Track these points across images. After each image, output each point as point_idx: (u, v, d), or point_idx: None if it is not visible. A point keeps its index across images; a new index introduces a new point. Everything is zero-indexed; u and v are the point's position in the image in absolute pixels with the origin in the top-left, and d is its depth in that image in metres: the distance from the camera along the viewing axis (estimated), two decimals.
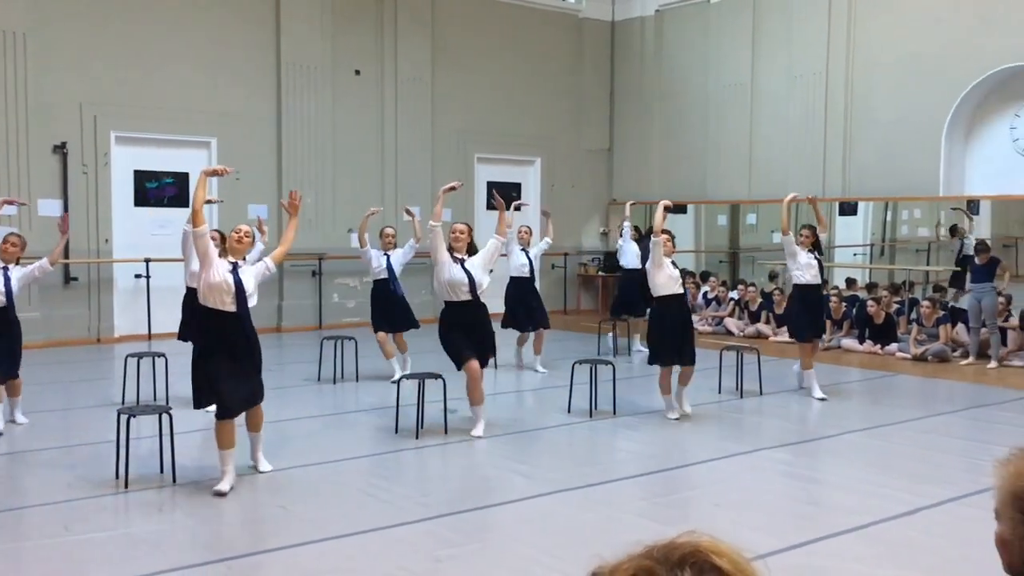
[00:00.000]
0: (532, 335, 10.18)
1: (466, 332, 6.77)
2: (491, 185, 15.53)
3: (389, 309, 9.31)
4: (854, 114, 13.21)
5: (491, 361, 7.35)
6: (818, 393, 8.41)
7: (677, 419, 7.47)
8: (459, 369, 6.89)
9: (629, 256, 11.04)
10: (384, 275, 9.36)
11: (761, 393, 8.72)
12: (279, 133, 13.20)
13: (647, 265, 7.39)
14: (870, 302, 11.70)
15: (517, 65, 15.47)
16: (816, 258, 8.38)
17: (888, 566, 4.48)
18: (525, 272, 10.08)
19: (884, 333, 11.50)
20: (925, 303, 11.38)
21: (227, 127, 12.81)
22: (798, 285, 8.49)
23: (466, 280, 6.76)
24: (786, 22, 13.90)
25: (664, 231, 7.29)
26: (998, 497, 1.63)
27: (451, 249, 6.89)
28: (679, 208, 16.70)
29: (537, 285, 10.36)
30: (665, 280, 7.30)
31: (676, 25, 15.58)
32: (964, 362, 10.53)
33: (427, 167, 14.54)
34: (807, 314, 8.45)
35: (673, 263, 7.41)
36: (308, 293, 13.58)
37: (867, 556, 4.61)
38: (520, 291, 10.06)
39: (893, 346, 11.30)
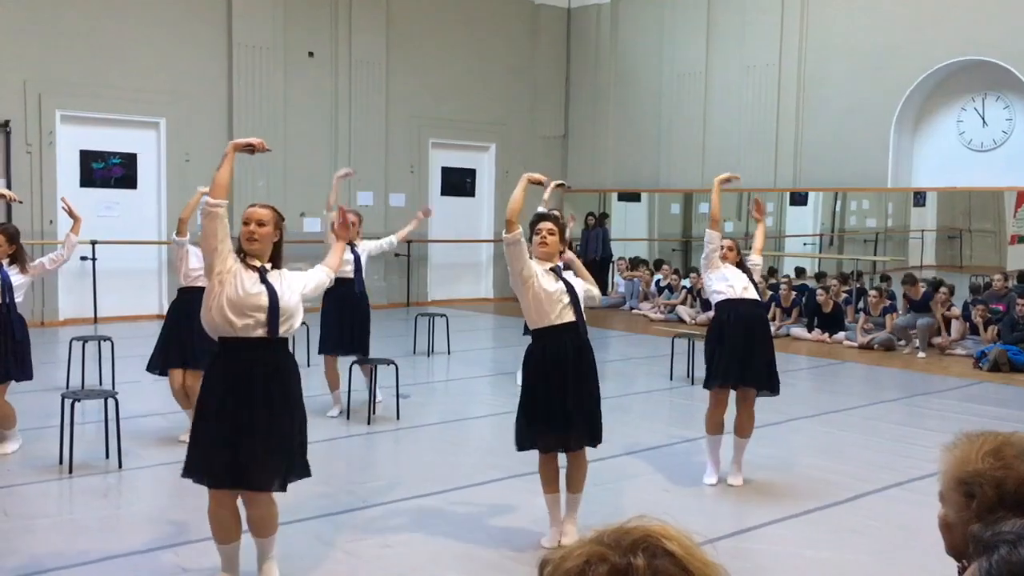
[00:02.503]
0: None
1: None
2: (446, 170, 15.49)
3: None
4: (806, 105, 13.38)
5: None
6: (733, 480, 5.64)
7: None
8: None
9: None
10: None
11: None
12: (230, 115, 12.99)
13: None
14: (819, 291, 11.87)
15: (472, 50, 15.39)
16: (750, 280, 5.69)
17: (834, 550, 4.56)
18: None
19: (832, 322, 11.69)
20: (872, 293, 11.58)
21: (177, 107, 12.57)
22: (722, 304, 5.57)
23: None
24: (740, 14, 14.02)
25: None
26: (943, 481, 1.66)
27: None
28: (631, 196, 16.82)
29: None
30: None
31: (632, 13, 15.62)
32: (907, 351, 10.74)
33: (380, 152, 14.42)
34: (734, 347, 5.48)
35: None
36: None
37: (813, 540, 4.69)
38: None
39: (841, 334, 11.49)
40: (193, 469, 3.65)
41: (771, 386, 5.53)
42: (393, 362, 7.18)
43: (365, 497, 5.05)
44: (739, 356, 5.41)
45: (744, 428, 5.57)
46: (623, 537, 1.06)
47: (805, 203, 16.77)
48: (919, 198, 16.29)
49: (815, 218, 17.22)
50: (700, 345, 9.02)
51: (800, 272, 14.59)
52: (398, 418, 7.04)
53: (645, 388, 8.09)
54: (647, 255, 16.32)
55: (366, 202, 14.32)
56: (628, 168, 15.67)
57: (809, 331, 11.75)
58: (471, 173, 15.83)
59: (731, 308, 5.50)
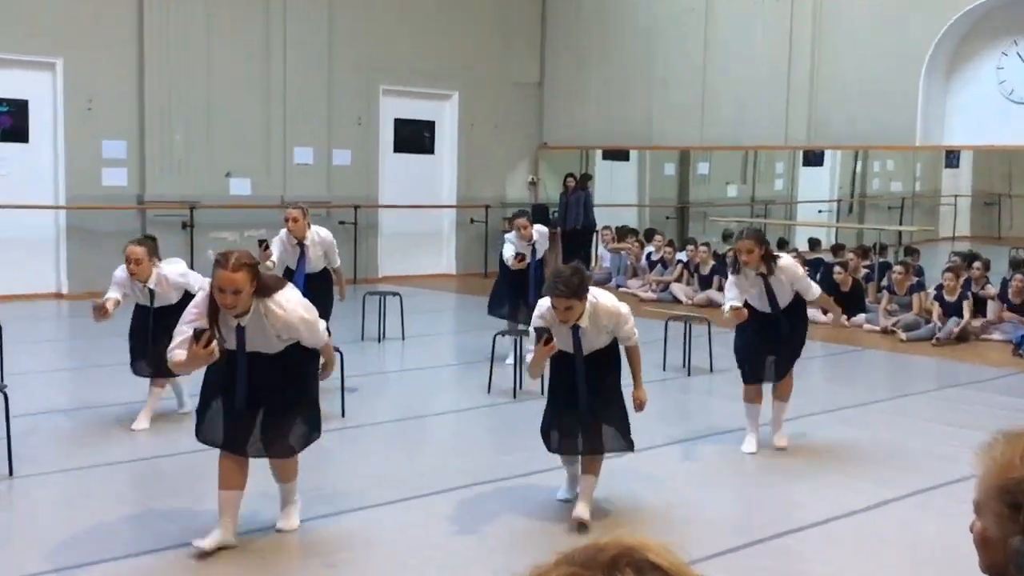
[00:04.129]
0: None
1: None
2: (400, 123, 15.40)
3: None
4: (822, 49, 13.43)
5: None
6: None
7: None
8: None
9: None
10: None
11: (711, 370, 8.87)
12: (140, 55, 12.80)
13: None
14: (836, 267, 11.97)
15: None
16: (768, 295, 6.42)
17: (852, 566, 4.61)
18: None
19: (851, 302, 11.78)
20: (897, 268, 11.68)
21: (76, 46, 12.37)
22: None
23: None
24: None
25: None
26: (980, 488, 1.66)
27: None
28: (619, 154, 16.84)
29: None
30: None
31: None
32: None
33: (322, 101, 14.30)
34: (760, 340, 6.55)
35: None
36: (176, 249, 13.30)
37: (829, 555, 4.74)
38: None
39: (861, 317, 11.60)
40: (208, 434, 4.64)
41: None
42: (337, 349, 7.17)
43: (304, 508, 5.03)
44: (763, 357, 6.47)
45: (782, 390, 6.58)
46: (598, 554, 1.07)
47: (820, 163, 16.93)
48: (952, 158, 16.46)
49: (832, 181, 17.37)
50: (698, 329, 9.13)
51: (814, 244, 14.71)
52: (343, 415, 7.04)
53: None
54: (636, 224, 16.38)
55: (304, 160, 14.22)
56: (615, 121, 15.67)
57: (824, 313, 11.85)
58: (429, 127, 15.76)
59: (751, 311, 6.37)
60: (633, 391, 5.19)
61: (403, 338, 10.16)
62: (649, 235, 15.10)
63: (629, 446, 5.19)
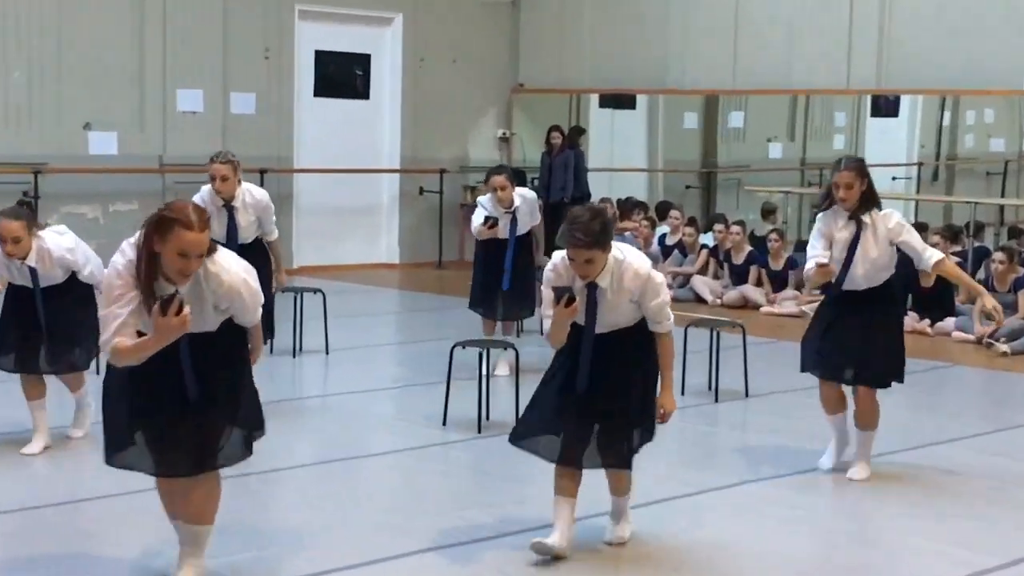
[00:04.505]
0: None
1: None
2: (323, 56, 15.33)
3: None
4: None
5: None
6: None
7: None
8: None
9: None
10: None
11: (747, 395, 8.90)
12: None
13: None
14: None
15: None
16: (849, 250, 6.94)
17: None
18: None
19: (936, 302, 11.83)
20: (998, 256, 11.74)
21: None
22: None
23: None
24: None
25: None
26: None
27: None
28: (622, 101, 16.85)
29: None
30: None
31: None
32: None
33: (214, 30, 14.24)
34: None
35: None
36: None
37: None
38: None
39: (949, 322, 11.65)
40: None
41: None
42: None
43: None
44: (841, 344, 6.86)
45: (864, 416, 6.93)
46: None
47: (895, 114, 16.97)
48: None
49: (910, 138, 17.40)
50: (730, 339, 9.14)
51: None
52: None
53: None
54: (646, 195, 16.40)
55: (190, 107, 14.16)
56: (616, 57, 15.70)
57: (919, 318, 11.88)
58: (363, 62, 15.74)
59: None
60: (658, 395, 5.52)
61: (327, 352, 10.14)
62: (663, 211, 15.14)
63: (648, 436, 5.56)
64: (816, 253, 6.76)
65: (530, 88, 16.57)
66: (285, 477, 6.87)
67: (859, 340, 6.79)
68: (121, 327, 4.50)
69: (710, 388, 8.95)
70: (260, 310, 4.94)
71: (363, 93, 15.81)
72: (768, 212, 15.02)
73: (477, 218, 9.14)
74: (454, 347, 8.11)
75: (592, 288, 5.22)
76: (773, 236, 13.38)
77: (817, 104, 16.86)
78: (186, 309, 4.39)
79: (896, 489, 6.83)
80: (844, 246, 6.74)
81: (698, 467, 7.22)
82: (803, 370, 7.06)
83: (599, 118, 17.01)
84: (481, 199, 9.31)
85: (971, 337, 11.30)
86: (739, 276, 13.35)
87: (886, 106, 16.59)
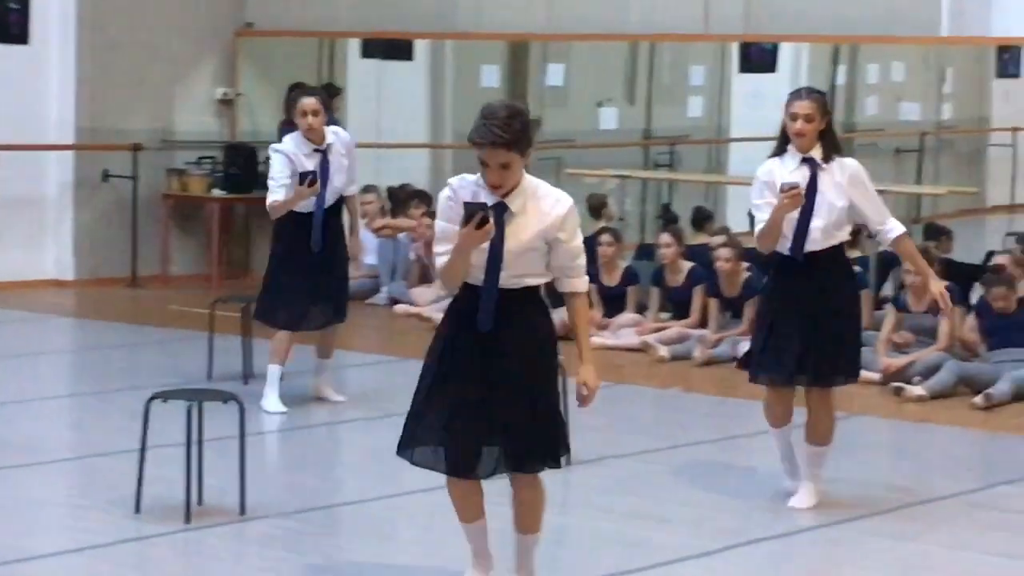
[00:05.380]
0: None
1: None
2: None
3: None
4: None
5: None
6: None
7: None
8: None
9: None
10: None
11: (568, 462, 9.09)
12: None
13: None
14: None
15: None
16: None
17: None
18: None
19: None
20: None
21: None
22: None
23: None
24: None
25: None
26: None
27: None
28: (393, 49, 16.90)
29: None
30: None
31: None
32: None
33: None
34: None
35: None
36: None
37: None
38: None
39: None
40: None
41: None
42: None
43: None
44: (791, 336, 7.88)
45: (816, 430, 8.10)
46: None
47: (772, 69, 17.41)
48: (1009, 61, 17.28)
49: None
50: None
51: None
52: None
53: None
54: (428, 181, 16.52)
55: None
56: None
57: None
58: None
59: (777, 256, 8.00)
60: (577, 369, 6.10)
61: None
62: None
63: (556, 460, 6.14)
64: (763, 202, 7.64)
65: (262, 30, 16.53)
66: None
67: (812, 329, 7.73)
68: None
69: None
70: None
71: (18, 36, 15.57)
72: (597, 206, 15.14)
73: (279, 180, 10.06)
74: (151, 400, 8.08)
75: (500, 211, 5.74)
76: (605, 238, 13.58)
77: (666, 55, 17.24)
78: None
79: None
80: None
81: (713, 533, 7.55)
82: (752, 380, 8.16)
83: (361, 73, 17.08)
84: (276, 147, 10.27)
85: (875, 376, 11.56)
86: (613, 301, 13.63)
87: (759, 58, 17.05)
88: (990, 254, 13.49)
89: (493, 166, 5.72)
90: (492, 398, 5.95)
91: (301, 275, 10.43)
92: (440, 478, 6.12)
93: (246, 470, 7.62)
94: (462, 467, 6.04)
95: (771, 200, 7.56)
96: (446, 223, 5.84)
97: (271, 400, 10.35)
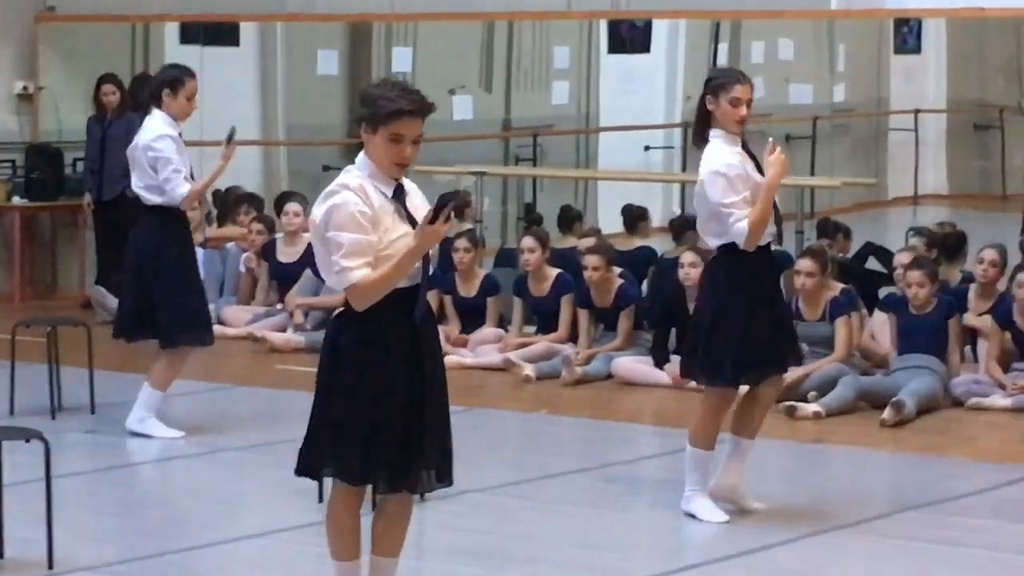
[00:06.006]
0: None
1: None
2: None
3: None
4: None
5: None
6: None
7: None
8: None
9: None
10: None
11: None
12: None
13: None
14: (685, 264, 12.40)
15: None
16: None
17: None
18: None
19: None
20: (804, 266, 12.07)
21: None
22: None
23: None
24: None
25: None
26: None
27: None
28: (217, 34, 16.87)
29: None
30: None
31: None
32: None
33: None
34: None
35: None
36: None
37: None
38: None
39: None
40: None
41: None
42: None
43: None
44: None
45: (759, 419, 8.93)
46: None
47: (646, 49, 17.55)
48: (908, 36, 17.51)
49: (669, 87, 18.03)
50: None
51: (635, 219, 15.20)
52: None
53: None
54: (258, 183, 16.57)
55: None
56: None
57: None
58: None
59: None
60: None
61: None
62: (280, 203, 15.20)
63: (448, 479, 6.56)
64: (739, 199, 8.22)
65: (66, 14, 16.42)
66: None
67: (779, 318, 8.86)
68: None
69: None
70: None
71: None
72: (460, 206, 15.18)
73: (181, 169, 10.59)
74: None
75: (399, 194, 6.10)
76: (461, 244, 13.63)
77: (527, 36, 17.32)
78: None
79: None
80: (753, 184, 8.34)
81: None
82: (731, 382, 8.69)
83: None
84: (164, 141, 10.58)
85: None
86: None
87: (631, 37, 17.19)
88: (877, 249, 13.71)
89: (410, 138, 5.95)
90: (424, 410, 6.28)
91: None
92: (277, 521, 6.16)
93: (53, 517, 7.54)
94: (406, 483, 6.34)
95: (746, 196, 8.18)
96: (360, 236, 5.94)
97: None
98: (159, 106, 10.73)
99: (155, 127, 10.66)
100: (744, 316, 8.53)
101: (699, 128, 8.42)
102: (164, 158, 10.49)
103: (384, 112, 5.97)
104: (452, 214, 5.91)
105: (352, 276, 5.92)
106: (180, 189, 10.50)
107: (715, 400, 8.72)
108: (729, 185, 8.17)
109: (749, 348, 8.53)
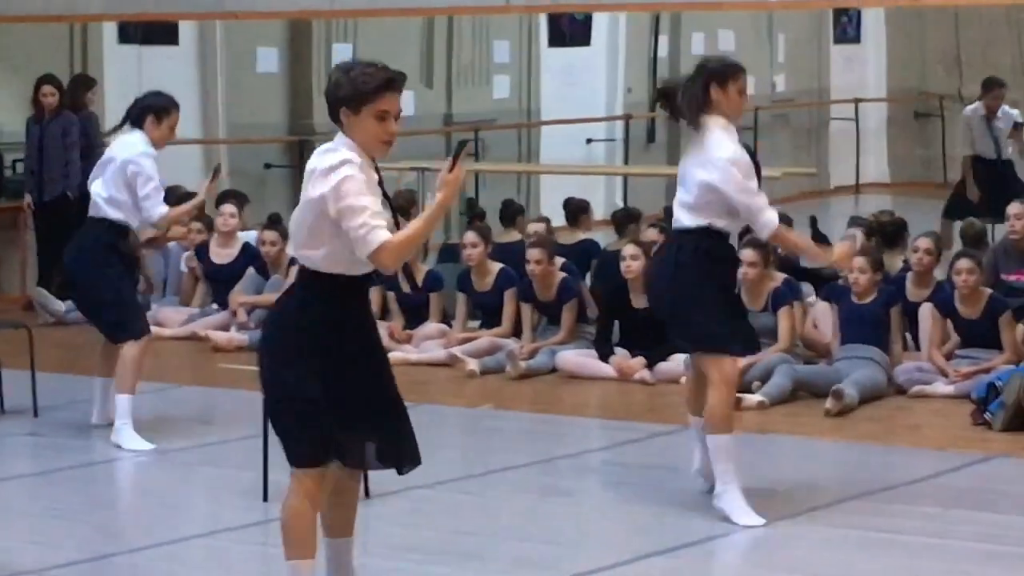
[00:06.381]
0: None
1: None
2: None
3: None
4: None
5: None
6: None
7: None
8: None
9: None
10: None
11: (367, 496, 9.11)
12: None
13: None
14: (626, 255, 12.46)
15: None
16: None
17: None
18: None
19: (652, 330, 12.24)
20: (747, 256, 12.10)
21: None
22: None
23: None
24: None
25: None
26: None
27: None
28: (156, 32, 16.79)
29: None
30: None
31: None
32: None
33: None
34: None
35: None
36: None
37: None
38: None
39: (676, 362, 12.03)
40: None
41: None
42: None
43: None
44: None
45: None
46: None
47: (586, 42, 17.52)
48: (847, 25, 17.56)
49: (611, 79, 18.01)
50: None
51: (577, 212, 15.22)
52: None
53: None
54: (199, 183, 16.43)
55: None
56: None
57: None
58: None
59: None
60: None
61: None
62: (223, 200, 15.15)
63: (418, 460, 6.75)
64: (754, 184, 8.56)
65: (2, 15, 16.35)
66: None
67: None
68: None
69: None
70: None
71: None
72: (405, 205, 15.11)
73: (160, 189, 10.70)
74: None
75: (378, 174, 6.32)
76: (469, 239, 13.63)
77: (467, 31, 17.30)
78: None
79: None
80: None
81: None
82: (745, 349, 9.16)
83: (120, 61, 16.94)
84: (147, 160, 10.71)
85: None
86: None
87: (572, 30, 17.20)
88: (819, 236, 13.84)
89: (393, 113, 6.31)
90: (374, 389, 6.60)
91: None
92: (223, 521, 6.15)
93: None
94: (358, 459, 6.54)
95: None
96: (376, 199, 6.17)
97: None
98: (140, 128, 10.79)
99: (138, 144, 10.75)
100: (730, 290, 9.00)
101: (695, 114, 8.62)
102: (146, 175, 10.60)
103: (369, 88, 6.20)
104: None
105: (383, 234, 6.00)
106: (159, 208, 10.65)
107: (728, 372, 8.76)
108: (745, 173, 8.39)
109: (744, 320, 9.05)
